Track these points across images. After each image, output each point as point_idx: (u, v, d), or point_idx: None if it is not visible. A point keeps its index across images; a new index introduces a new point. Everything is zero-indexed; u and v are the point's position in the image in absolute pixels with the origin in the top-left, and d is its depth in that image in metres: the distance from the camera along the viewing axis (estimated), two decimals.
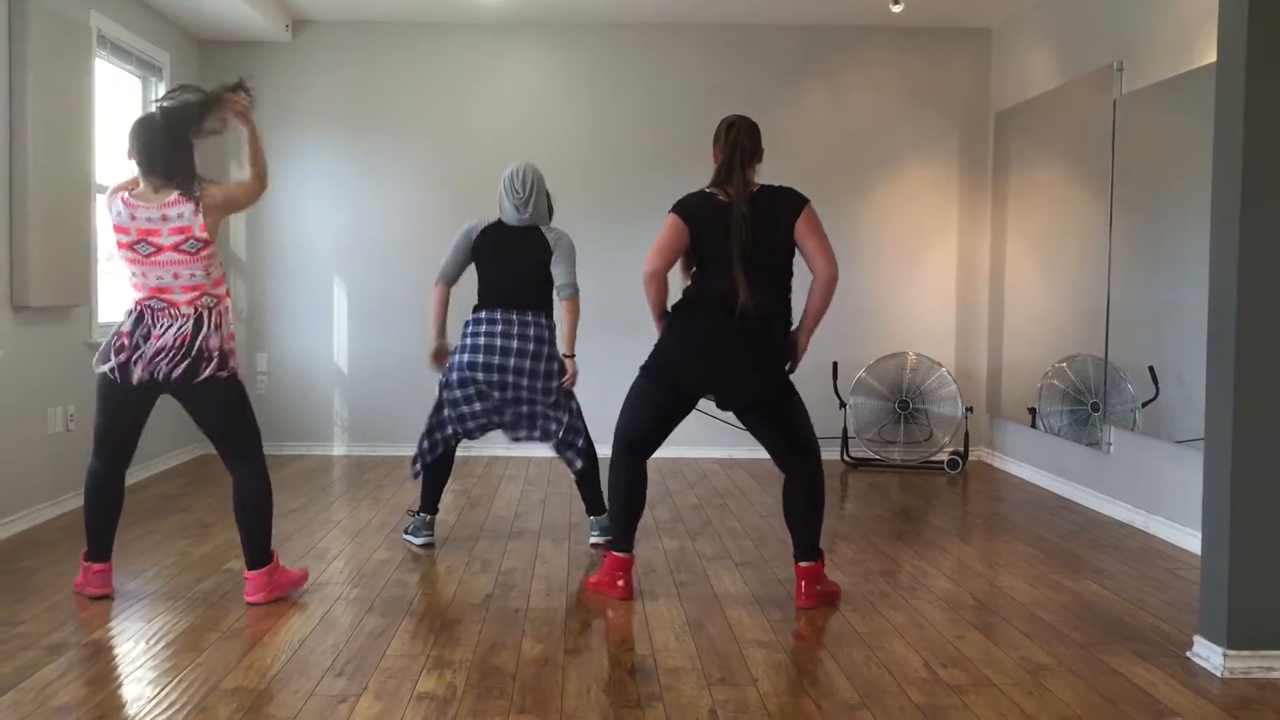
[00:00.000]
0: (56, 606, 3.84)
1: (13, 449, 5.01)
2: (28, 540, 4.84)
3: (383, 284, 7.35)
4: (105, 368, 3.84)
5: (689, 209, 3.87)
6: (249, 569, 3.92)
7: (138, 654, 3.40)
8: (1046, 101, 6.39)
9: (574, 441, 4.69)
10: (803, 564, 3.96)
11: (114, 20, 5.98)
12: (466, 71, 7.32)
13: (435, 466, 4.80)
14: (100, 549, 3.96)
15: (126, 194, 3.80)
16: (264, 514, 3.93)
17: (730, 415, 5.41)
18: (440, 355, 4.77)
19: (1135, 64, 5.44)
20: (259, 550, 3.92)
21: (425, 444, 4.74)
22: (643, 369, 3.99)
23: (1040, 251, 6.49)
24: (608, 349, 6.64)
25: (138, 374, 3.78)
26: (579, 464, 4.70)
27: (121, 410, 3.90)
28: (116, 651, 3.41)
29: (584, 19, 7.24)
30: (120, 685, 3.13)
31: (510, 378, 4.55)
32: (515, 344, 4.54)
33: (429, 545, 4.79)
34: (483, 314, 4.60)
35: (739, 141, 3.84)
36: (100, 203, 5.83)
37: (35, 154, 5.07)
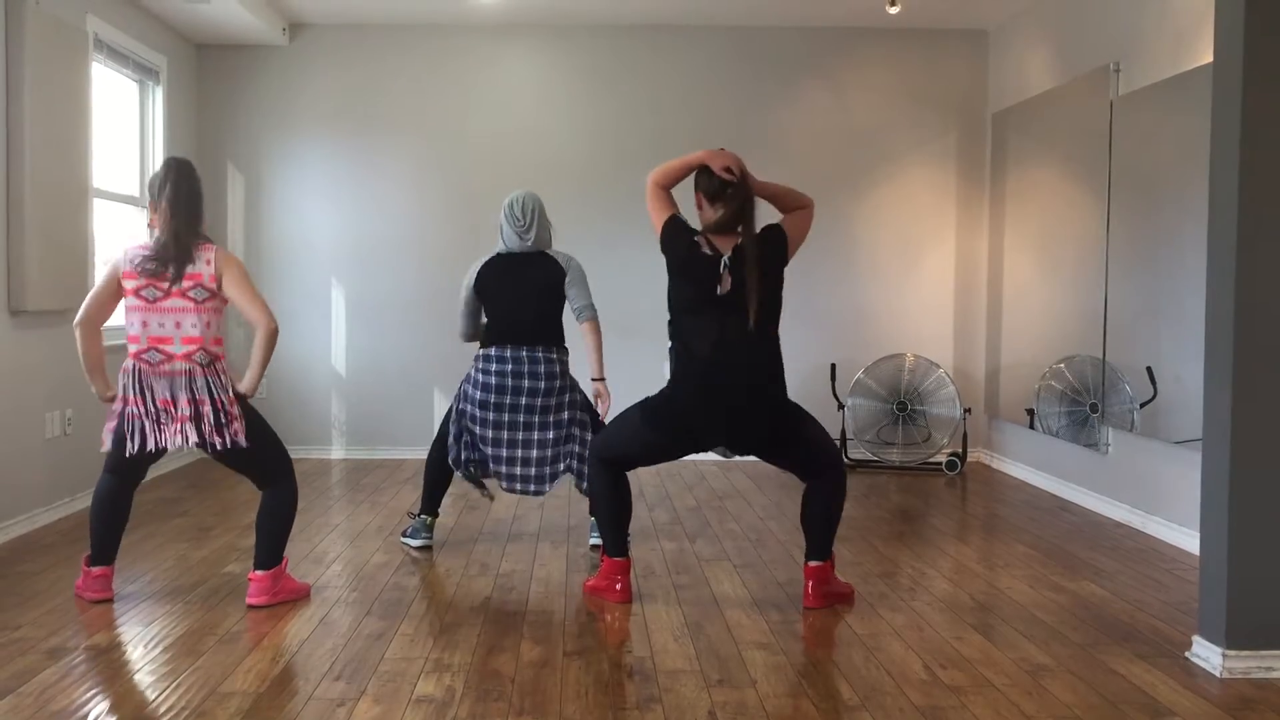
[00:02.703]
0: (55, 610, 3.84)
1: (10, 453, 5.01)
2: (26, 544, 4.83)
3: (381, 287, 7.35)
4: (110, 447, 3.82)
5: (673, 235, 3.87)
6: (255, 569, 3.92)
7: (136, 658, 3.40)
8: (1043, 102, 6.40)
9: (584, 471, 4.62)
10: (812, 564, 3.96)
11: (111, 24, 5.98)
12: (464, 74, 7.32)
13: (438, 470, 4.78)
14: (104, 555, 3.96)
15: (143, 242, 3.82)
16: (284, 523, 3.95)
17: None
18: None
19: (1132, 65, 5.45)
20: (270, 552, 3.92)
21: (461, 474, 4.67)
22: (643, 411, 3.93)
23: (1038, 252, 6.49)
24: (609, 351, 6.62)
25: (160, 441, 3.76)
26: (583, 485, 4.65)
27: (141, 458, 3.88)
28: (115, 655, 3.41)
29: (581, 20, 7.24)
30: (119, 689, 3.13)
31: (522, 417, 4.52)
32: (526, 383, 4.50)
33: (426, 548, 4.79)
34: (493, 351, 4.53)
35: (748, 197, 3.83)
36: (97, 206, 5.83)
37: (32, 158, 5.06)
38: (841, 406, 7.04)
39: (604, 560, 4.07)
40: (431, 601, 4.01)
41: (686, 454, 3.97)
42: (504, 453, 4.56)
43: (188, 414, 3.74)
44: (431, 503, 4.81)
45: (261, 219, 7.31)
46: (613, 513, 4.02)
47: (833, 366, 7.10)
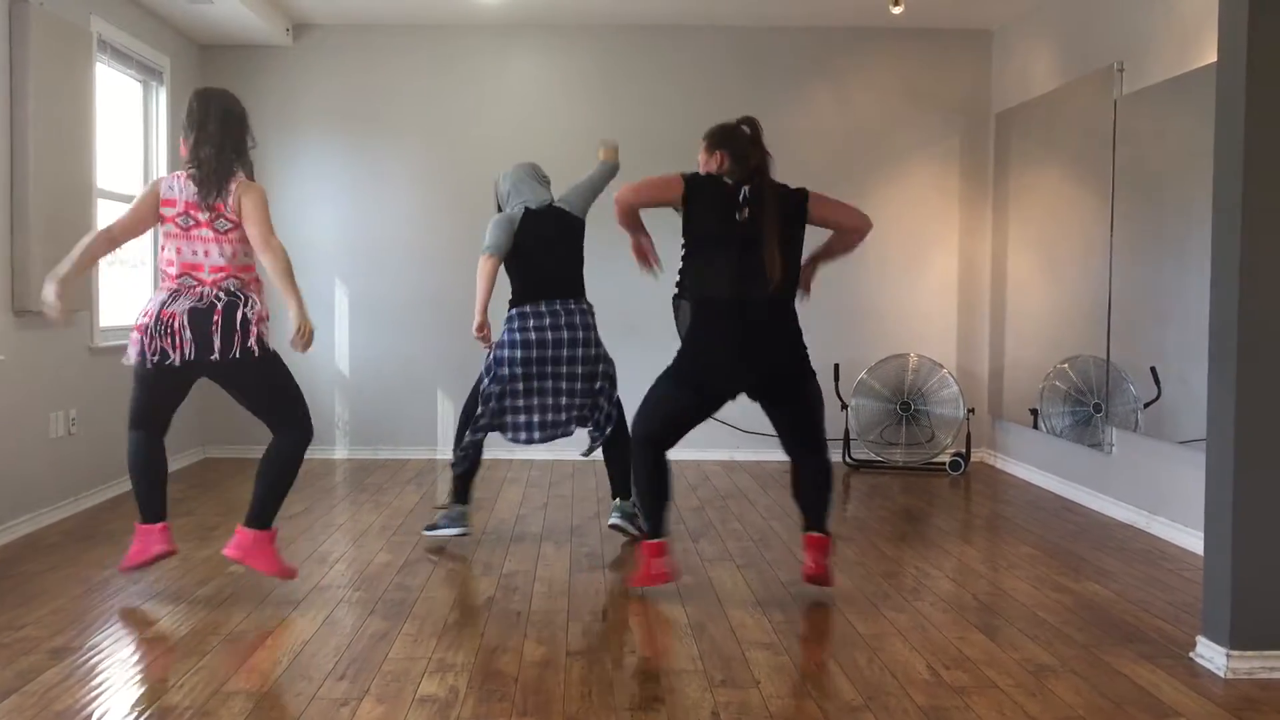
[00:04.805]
0: (59, 610, 3.84)
1: (15, 453, 5.01)
2: (30, 544, 4.84)
3: (384, 286, 7.35)
4: (135, 356, 3.86)
5: (697, 179, 3.99)
6: (244, 523, 3.94)
7: (140, 657, 3.40)
8: (1047, 102, 6.39)
9: (604, 426, 4.77)
10: (815, 534, 4.01)
11: (115, 25, 5.99)
12: (467, 74, 7.32)
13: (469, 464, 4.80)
14: (157, 511, 3.97)
15: (184, 171, 3.89)
16: (285, 475, 3.96)
17: (734, 417, 5.41)
18: (483, 329, 4.69)
19: (1136, 64, 5.44)
20: (262, 509, 3.93)
21: (468, 438, 4.70)
22: (667, 374, 4.03)
23: (1041, 252, 6.49)
24: (610, 349, 6.62)
25: (173, 356, 3.78)
26: (599, 446, 4.80)
27: (157, 391, 3.92)
28: (119, 655, 3.41)
29: (585, 20, 7.24)
30: (122, 689, 3.13)
31: (564, 368, 4.61)
32: (565, 334, 4.60)
33: (466, 534, 4.82)
34: (528, 308, 4.61)
35: (766, 154, 3.98)
36: (101, 206, 5.83)
37: (36, 158, 5.07)
38: (845, 407, 7.03)
39: (643, 545, 4.09)
40: (435, 601, 4.01)
41: (715, 407, 4.02)
42: (534, 400, 4.63)
43: (190, 334, 3.76)
44: (464, 492, 4.82)
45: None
46: (656, 495, 4.05)
47: (836, 367, 7.10)
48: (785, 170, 6.49)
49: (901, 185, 7.39)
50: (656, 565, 4.04)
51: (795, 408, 4.02)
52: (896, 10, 6.43)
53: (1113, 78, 5.57)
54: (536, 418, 4.64)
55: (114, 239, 3.95)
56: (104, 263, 5.88)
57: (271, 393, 3.97)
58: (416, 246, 7.31)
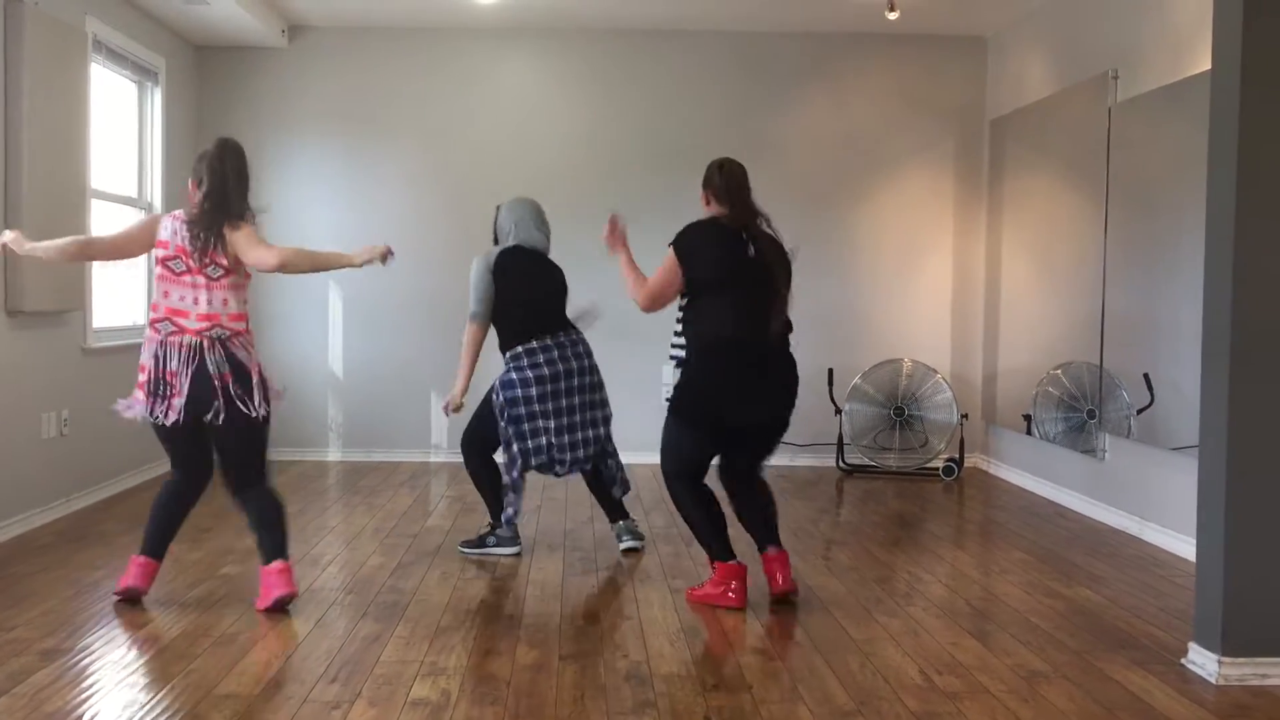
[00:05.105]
0: (50, 612, 3.83)
1: (6, 454, 4.99)
2: (22, 545, 4.82)
3: (378, 289, 7.33)
4: (135, 412, 3.84)
5: (692, 230, 4.01)
6: (281, 558, 3.85)
7: (131, 659, 3.39)
8: (1041, 109, 6.40)
9: (616, 455, 4.87)
10: (773, 551, 4.00)
11: (110, 25, 5.98)
12: (463, 77, 7.32)
13: (491, 480, 4.77)
14: (160, 548, 3.95)
15: (182, 212, 3.89)
16: (278, 523, 3.92)
17: None
18: (461, 398, 4.70)
19: (1130, 72, 5.45)
20: (283, 543, 3.89)
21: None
22: (674, 412, 4.03)
23: (1036, 258, 6.50)
24: (601, 356, 6.62)
25: (171, 417, 3.77)
26: (620, 488, 4.84)
27: (178, 441, 3.90)
28: (110, 657, 3.40)
29: (581, 24, 7.24)
30: (113, 691, 3.12)
31: (576, 398, 4.62)
32: (574, 364, 4.64)
33: (518, 552, 4.76)
34: (535, 343, 4.59)
35: (744, 181, 4.01)
36: (96, 207, 5.82)
37: (31, 159, 5.06)
38: (839, 411, 7.04)
39: (716, 566, 4.03)
40: (427, 604, 4.01)
41: (726, 436, 4.01)
42: (565, 438, 4.62)
43: (186, 390, 3.73)
44: (500, 507, 4.78)
45: (259, 219, 7.28)
46: (707, 521, 4.04)
47: (830, 371, 7.10)
48: (782, 174, 6.47)
49: (896, 190, 7.39)
50: (728, 588, 3.97)
51: (760, 448, 4.07)
52: (892, 16, 6.45)
53: (1107, 85, 5.58)
54: (569, 455, 4.63)
55: (90, 252, 4.02)
56: (95, 264, 5.87)
57: (248, 454, 3.92)
58: (411, 248, 7.26)
